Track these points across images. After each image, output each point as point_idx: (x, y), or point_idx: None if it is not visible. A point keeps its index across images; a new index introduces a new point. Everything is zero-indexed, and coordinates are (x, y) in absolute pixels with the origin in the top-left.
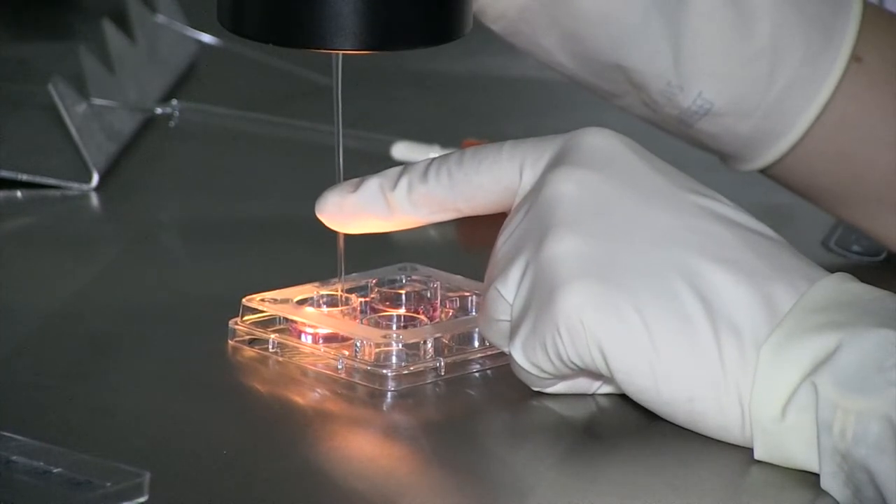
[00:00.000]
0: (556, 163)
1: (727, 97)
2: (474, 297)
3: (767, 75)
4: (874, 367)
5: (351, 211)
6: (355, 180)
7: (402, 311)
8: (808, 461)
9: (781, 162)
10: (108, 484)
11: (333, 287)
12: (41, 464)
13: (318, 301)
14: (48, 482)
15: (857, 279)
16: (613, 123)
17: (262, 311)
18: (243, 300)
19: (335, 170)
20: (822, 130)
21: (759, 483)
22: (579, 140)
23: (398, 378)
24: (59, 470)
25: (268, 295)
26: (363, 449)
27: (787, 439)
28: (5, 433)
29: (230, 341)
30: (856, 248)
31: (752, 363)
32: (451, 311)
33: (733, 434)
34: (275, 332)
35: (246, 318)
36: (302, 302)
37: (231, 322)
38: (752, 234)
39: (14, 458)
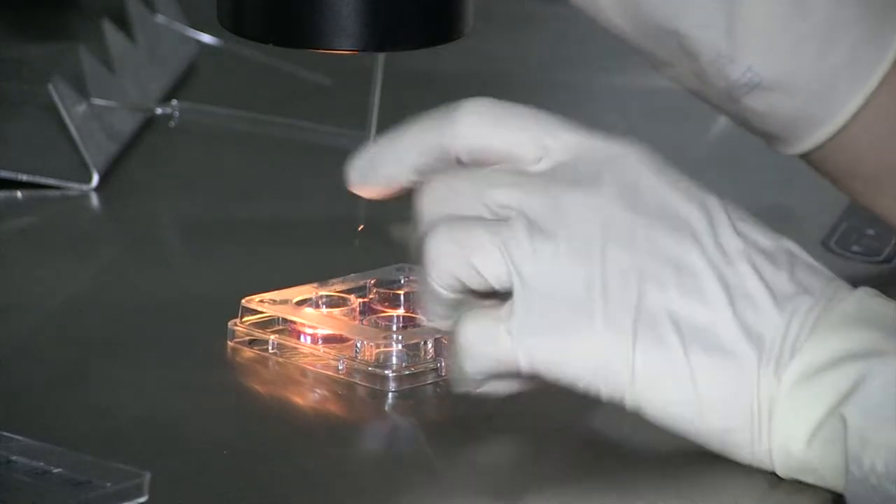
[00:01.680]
0: (592, 179)
1: (776, 73)
2: None
3: (818, 55)
4: None
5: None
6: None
7: (401, 311)
8: (834, 482)
9: (824, 146)
10: (108, 484)
11: (332, 287)
12: (41, 464)
13: (317, 302)
14: (48, 482)
15: (880, 294)
16: (612, 125)
17: (261, 312)
18: (242, 301)
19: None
20: (867, 116)
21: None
22: (618, 161)
23: (399, 379)
24: (59, 470)
25: (267, 296)
26: (364, 449)
27: (812, 466)
28: (5, 433)
29: (229, 342)
30: (856, 248)
31: (776, 392)
32: None
33: (766, 463)
34: (274, 332)
35: (245, 319)
36: (301, 303)
37: (230, 323)
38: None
39: (14, 458)
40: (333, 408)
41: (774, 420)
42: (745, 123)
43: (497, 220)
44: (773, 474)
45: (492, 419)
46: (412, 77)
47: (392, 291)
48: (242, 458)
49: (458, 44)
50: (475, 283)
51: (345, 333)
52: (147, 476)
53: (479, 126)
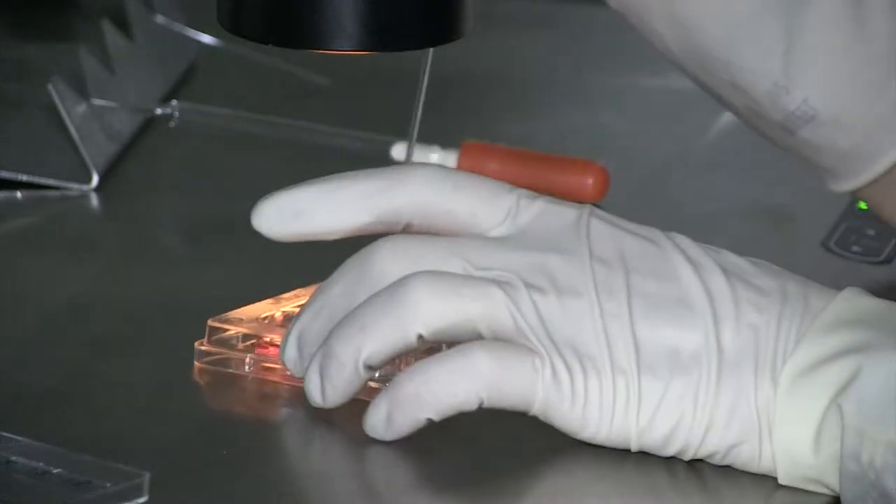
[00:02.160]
0: (565, 239)
1: (832, 106)
2: None
3: (875, 91)
4: (894, 392)
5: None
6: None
7: None
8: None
9: (877, 183)
10: (108, 484)
11: (290, 303)
12: (41, 464)
13: (282, 318)
14: (48, 482)
15: (866, 293)
16: (612, 125)
17: (228, 330)
18: (209, 322)
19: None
20: None
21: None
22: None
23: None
24: (59, 470)
25: (233, 314)
26: (362, 449)
27: (819, 473)
28: (5, 433)
29: (196, 363)
30: (856, 248)
31: (773, 396)
32: None
33: (773, 471)
34: (244, 350)
35: (213, 338)
36: (266, 318)
37: (197, 344)
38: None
39: (14, 458)
40: (333, 408)
41: (775, 425)
42: (801, 158)
43: (487, 279)
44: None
45: (492, 418)
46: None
47: None
48: (242, 458)
49: (458, 44)
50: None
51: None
52: (147, 476)
53: (438, 191)
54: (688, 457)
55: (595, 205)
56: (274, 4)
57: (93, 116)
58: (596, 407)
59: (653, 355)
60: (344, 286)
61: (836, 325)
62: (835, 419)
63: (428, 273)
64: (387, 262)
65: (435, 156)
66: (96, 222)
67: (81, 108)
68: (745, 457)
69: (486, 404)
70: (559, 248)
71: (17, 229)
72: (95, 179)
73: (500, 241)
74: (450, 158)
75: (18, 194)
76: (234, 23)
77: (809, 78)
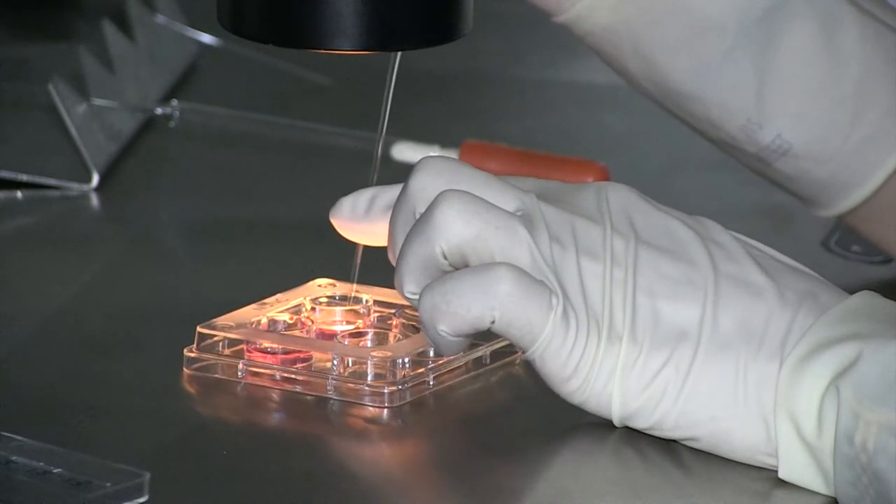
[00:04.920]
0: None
1: (806, 140)
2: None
3: (849, 123)
4: (892, 378)
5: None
6: (371, 190)
7: (345, 327)
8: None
9: (856, 211)
10: (108, 484)
11: (274, 308)
12: (41, 464)
13: (270, 323)
14: (48, 482)
15: (881, 296)
16: (612, 125)
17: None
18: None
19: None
20: None
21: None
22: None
23: (393, 393)
24: (59, 470)
25: (219, 321)
26: (362, 451)
27: (824, 456)
28: (5, 433)
29: (186, 369)
30: (856, 248)
31: (773, 377)
32: (398, 321)
33: (760, 453)
34: (230, 356)
35: (202, 344)
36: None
37: (186, 350)
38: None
39: (14, 458)
40: (328, 411)
41: (776, 403)
42: (779, 185)
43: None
44: (775, 473)
45: (492, 417)
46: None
47: (334, 308)
48: (242, 459)
49: (458, 44)
50: (481, 256)
51: (340, 353)
52: (147, 476)
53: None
54: (667, 428)
55: None
56: (274, 4)
57: (93, 116)
58: (588, 362)
59: (648, 326)
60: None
61: (844, 318)
62: (833, 401)
63: (458, 193)
64: (423, 179)
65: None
66: (96, 222)
67: (81, 108)
68: (730, 436)
69: (496, 325)
70: (584, 214)
71: (17, 229)
72: (95, 179)
73: (533, 193)
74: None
75: (18, 194)
76: (234, 23)
77: (782, 113)
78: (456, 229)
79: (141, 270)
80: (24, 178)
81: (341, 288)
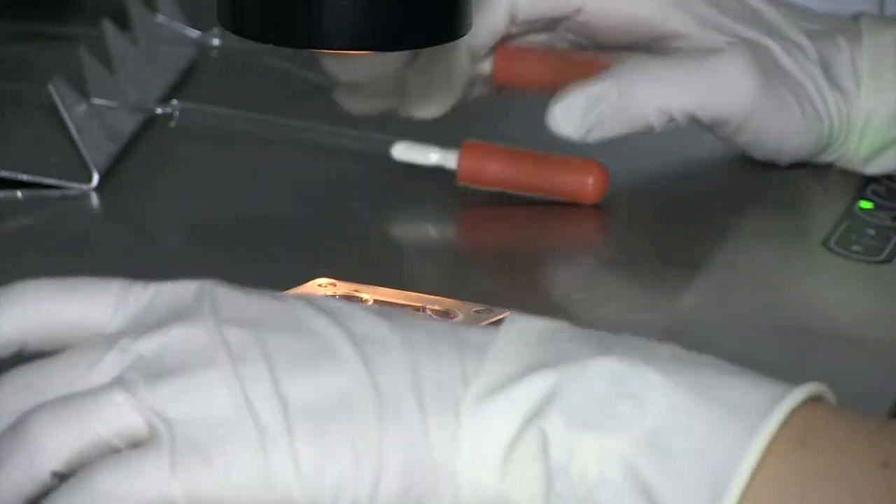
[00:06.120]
0: (182, 312)
1: None
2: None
3: None
4: (602, 401)
5: None
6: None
7: None
8: None
9: None
10: None
11: None
12: None
13: None
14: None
15: (529, 316)
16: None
17: None
18: None
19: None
20: None
21: None
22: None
23: None
24: None
25: None
26: None
27: (510, 499)
28: None
29: None
30: (856, 248)
31: (451, 429)
32: None
33: None
34: None
35: None
36: None
37: None
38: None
39: None
40: None
41: (458, 455)
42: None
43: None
44: None
45: None
46: None
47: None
48: None
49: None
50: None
51: None
52: None
53: (43, 307)
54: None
55: (595, 205)
56: (274, 4)
57: (93, 116)
58: (250, 473)
59: (302, 410)
60: None
61: (512, 349)
62: (530, 440)
63: (48, 404)
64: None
65: (435, 156)
66: (96, 222)
67: (81, 107)
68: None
69: None
70: (182, 320)
71: (17, 229)
72: (95, 179)
73: (116, 335)
74: (450, 158)
75: (19, 194)
76: (234, 23)
77: None
78: (65, 444)
79: (141, 270)
80: (24, 177)
81: (341, 288)
